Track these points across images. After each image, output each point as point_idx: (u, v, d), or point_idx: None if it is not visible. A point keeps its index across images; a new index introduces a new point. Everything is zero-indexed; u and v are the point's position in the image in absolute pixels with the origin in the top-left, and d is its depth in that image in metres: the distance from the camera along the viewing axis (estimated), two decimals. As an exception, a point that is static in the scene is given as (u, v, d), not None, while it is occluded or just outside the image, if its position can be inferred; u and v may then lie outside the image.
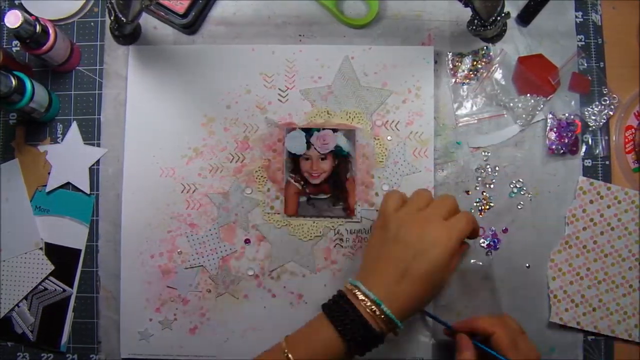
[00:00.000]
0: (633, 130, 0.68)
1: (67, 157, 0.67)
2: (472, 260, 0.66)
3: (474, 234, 0.55)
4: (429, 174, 0.66)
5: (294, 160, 0.66)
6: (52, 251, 0.67)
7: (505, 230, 0.66)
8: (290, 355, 0.49)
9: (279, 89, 0.67)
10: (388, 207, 0.55)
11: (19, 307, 0.67)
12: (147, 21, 0.69)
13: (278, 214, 0.66)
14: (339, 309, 0.50)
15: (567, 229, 0.66)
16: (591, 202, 0.66)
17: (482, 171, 0.67)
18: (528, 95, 0.67)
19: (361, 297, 0.50)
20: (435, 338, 0.65)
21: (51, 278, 0.67)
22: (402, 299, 0.50)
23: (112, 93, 0.68)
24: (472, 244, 0.66)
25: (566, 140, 0.66)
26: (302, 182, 0.66)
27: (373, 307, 0.49)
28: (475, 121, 0.67)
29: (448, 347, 0.65)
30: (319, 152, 0.66)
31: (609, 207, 0.66)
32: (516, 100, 0.67)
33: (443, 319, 0.63)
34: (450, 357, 0.65)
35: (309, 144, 0.66)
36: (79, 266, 0.67)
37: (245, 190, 0.66)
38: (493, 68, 0.68)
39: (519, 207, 0.67)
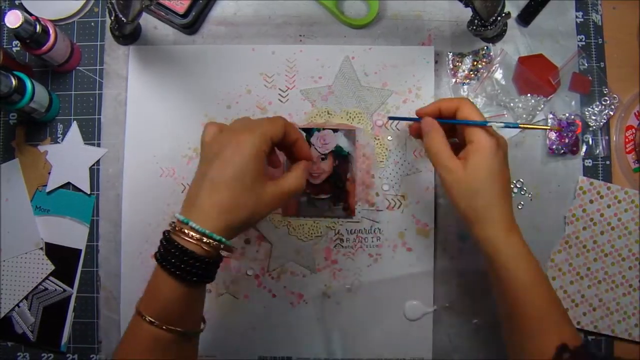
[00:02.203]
0: (633, 130, 0.68)
1: (67, 157, 0.67)
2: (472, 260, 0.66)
3: (288, 137, 0.53)
4: (429, 174, 0.66)
5: (294, 160, 0.66)
6: (52, 251, 0.67)
7: (505, 230, 0.66)
8: (145, 316, 0.47)
9: (279, 89, 0.67)
10: (204, 137, 0.52)
11: (19, 307, 0.67)
12: (147, 21, 0.69)
13: (278, 214, 0.66)
14: (164, 250, 0.48)
15: (567, 228, 0.66)
16: (591, 201, 0.66)
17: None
18: (528, 95, 0.67)
19: (181, 229, 0.47)
20: (434, 338, 0.65)
21: (51, 278, 0.67)
22: (212, 212, 0.47)
23: (112, 93, 0.68)
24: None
25: (566, 140, 0.66)
26: (302, 182, 0.66)
27: (191, 232, 0.46)
28: (476, 121, 0.67)
29: (448, 347, 0.65)
30: (319, 152, 0.66)
31: (609, 206, 0.66)
32: (516, 100, 0.67)
33: (446, 318, 0.62)
34: (450, 357, 0.65)
35: (309, 144, 0.66)
36: (79, 266, 0.67)
37: (245, 190, 0.66)
38: (493, 68, 0.68)
39: (519, 207, 0.67)
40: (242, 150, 0.48)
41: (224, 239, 0.48)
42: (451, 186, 0.53)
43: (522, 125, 0.54)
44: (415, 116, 0.59)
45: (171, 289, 0.47)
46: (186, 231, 0.47)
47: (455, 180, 0.52)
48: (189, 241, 0.47)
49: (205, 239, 0.47)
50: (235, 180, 0.48)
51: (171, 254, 0.47)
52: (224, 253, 0.49)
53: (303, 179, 0.54)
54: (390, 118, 0.66)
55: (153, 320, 0.47)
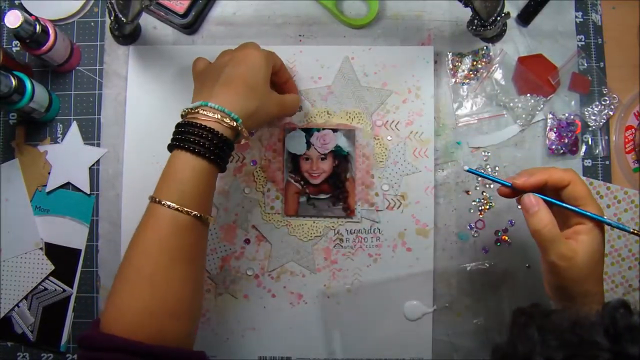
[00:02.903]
0: (633, 130, 0.68)
1: (67, 157, 0.67)
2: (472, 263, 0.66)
3: (281, 74, 0.61)
4: (429, 173, 0.66)
5: (294, 160, 0.66)
6: (52, 251, 0.67)
7: (505, 230, 0.66)
8: (163, 201, 0.49)
9: (279, 89, 0.67)
10: (197, 67, 0.58)
11: (19, 307, 0.67)
12: (147, 21, 0.69)
13: (278, 214, 0.66)
14: (180, 135, 0.51)
15: (567, 229, 0.66)
16: (591, 202, 0.66)
17: (482, 171, 0.67)
18: (528, 95, 0.67)
19: (198, 111, 0.52)
20: (434, 338, 0.65)
21: (51, 278, 0.67)
22: (228, 98, 0.52)
23: (112, 93, 0.68)
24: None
25: (566, 140, 0.66)
26: (302, 182, 0.66)
27: (209, 112, 0.51)
28: (475, 121, 0.67)
29: (448, 347, 0.65)
30: (319, 152, 0.66)
31: (608, 206, 0.66)
32: (516, 100, 0.67)
33: (446, 318, 0.62)
34: (450, 357, 0.65)
35: (309, 144, 0.66)
36: (79, 266, 0.67)
37: (245, 190, 0.66)
38: (493, 68, 0.68)
39: (519, 207, 0.67)
40: (254, 55, 0.55)
41: (240, 120, 0.52)
42: (564, 271, 0.49)
43: (634, 232, 0.50)
44: (496, 176, 0.53)
45: (189, 168, 0.50)
46: (204, 112, 0.51)
47: (570, 266, 0.48)
48: (208, 120, 0.51)
49: (224, 118, 0.51)
50: (248, 74, 0.54)
51: (190, 134, 0.50)
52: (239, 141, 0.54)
53: (299, 102, 0.64)
54: (469, 171, 0.54)
55: (171, 204, 0.49)
